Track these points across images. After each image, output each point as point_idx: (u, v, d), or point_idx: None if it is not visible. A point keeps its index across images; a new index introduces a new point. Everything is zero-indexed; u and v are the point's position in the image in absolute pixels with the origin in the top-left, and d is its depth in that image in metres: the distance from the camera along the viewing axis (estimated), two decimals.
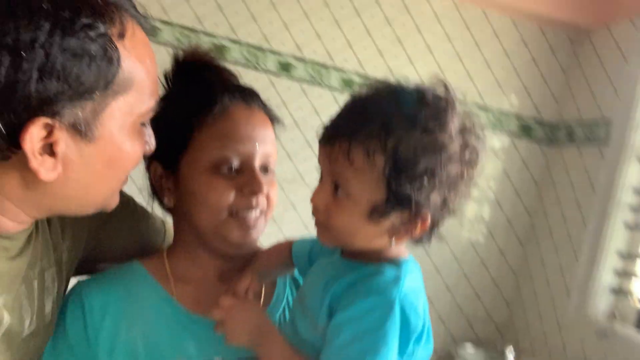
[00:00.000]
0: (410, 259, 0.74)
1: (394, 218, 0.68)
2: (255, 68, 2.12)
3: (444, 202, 0.68)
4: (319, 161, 0.73)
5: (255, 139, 0.84)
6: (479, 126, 0.70)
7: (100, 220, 0.89)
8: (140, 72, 0.65)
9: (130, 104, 0.65)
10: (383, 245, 0.71)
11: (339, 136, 0.68)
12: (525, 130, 2.31)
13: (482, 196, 2.31)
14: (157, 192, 0.90)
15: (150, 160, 0.87)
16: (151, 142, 0.74)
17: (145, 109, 0.68)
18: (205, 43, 2.04)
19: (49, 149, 0.61)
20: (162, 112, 0.77)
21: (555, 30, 2.26)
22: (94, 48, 0.59)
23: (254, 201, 0.83)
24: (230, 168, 0.83)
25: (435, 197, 0.66)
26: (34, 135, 0.59)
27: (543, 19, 2.22)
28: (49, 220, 0.80)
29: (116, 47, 0.61)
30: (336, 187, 0.69)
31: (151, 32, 0.69)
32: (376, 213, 0.67)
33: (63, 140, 0.61)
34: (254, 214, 0.84)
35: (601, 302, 1.93)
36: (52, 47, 0.57)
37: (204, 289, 0.87)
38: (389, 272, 0.69)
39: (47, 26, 0.56)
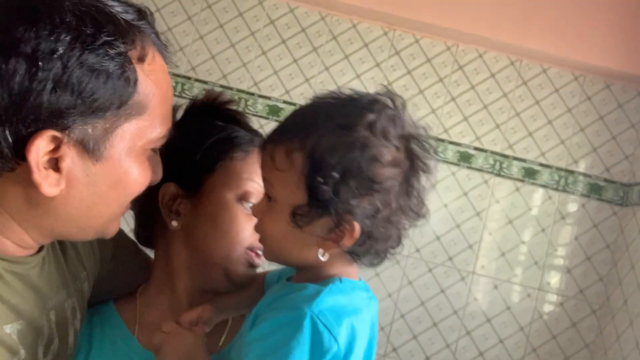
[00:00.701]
0: (352, 281, 0.69)
1: (319, 225, 0.65)
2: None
3: (377, 212, 0.63)
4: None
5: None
6: (428, 139, 0.66)
7: (110, 253, 0.90)
8: (156, 97, 0.65)
9: (141, 128, 0.65)
10: (313, 257, 0.66)
11: (268, 142, 0.69)
12: (595, 190, 2.15)
13: (551, 263, 2.15)
14: (149, 217, 0.89)
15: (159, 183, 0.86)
16: (158, 172, 0.73)
17: (156, 135, 0.67)
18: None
19: (55, 165, 0.61)
20: (187, 139, 0.83)
21: (624, 85, 2.14)
22: (112, 66, 0.59)
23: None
24: (252, 204, 0.84)
25: (363, 204, 0.63)
26: (40, 148, 0.58)
27: (609, 73, 2.11)
28: (64, 252, 0.80)
29: (134, 69, 0.62)
30: (268, 196, 0.69)
31: (169, 61, 0.70)
32: (299, 218, 0.65)
33: (70, 157, 0.61)
34: (258, 257, 0.86)
35: None
36: (70, 60, 0.57)
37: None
38: (310, 288, 0.65)
39: (68, 39, 0.57)
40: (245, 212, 0.84)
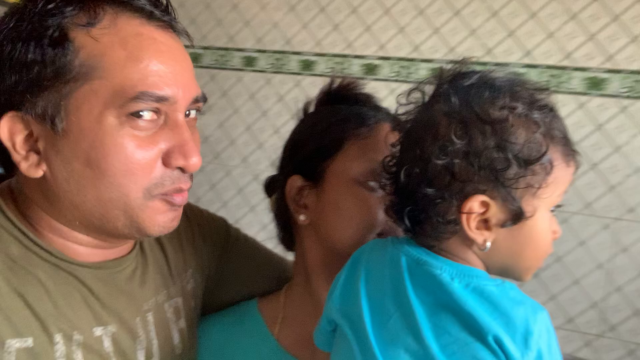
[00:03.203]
0: None
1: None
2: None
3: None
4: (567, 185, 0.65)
5: None
6: None
7: (221, 249, 0.92)
8: (113, 60, 0.62)
9: (99, 93, 0.61)
10: None
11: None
12: None
13: None
14: (285, 216, 0.89)
15: (285, 177, 0.87)
16: (186, 151, 0.65)
17: (126, 99, 0.61)
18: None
19: (35, 146, 0.63)
20: (308, 127, 0.85)
21: None
22: (43, 33, 0.60)
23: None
24: (379, 186, 0.78)
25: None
26: (8, 129, 0.61)
27: None
28: (164, 251, 0.82)
29: (67, 34, 0.61)
30: None
31: (170, 26, 0.67)
32: None
33: (42, 136, 0.62)
34: None
35: None
36: (7, 36, 0.60)
37: (308, 327, 0.83)
38: (514, 289, 0.63)
39: (12, 19, 0.61)
40: (373, 195, 0.79)
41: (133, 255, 0.75)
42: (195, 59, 2.22)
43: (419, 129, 0.64)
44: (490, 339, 0.57)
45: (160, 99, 0.63)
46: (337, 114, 0.86)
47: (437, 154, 0.60)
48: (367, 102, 0.91)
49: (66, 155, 0.62)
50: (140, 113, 0.62)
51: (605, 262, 1.74)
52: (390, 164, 0.68)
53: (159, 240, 0.82)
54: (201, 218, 0.92)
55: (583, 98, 1.76)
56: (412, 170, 0.62)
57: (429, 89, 0.65)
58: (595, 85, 1.75)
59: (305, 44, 2.08)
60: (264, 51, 2.15)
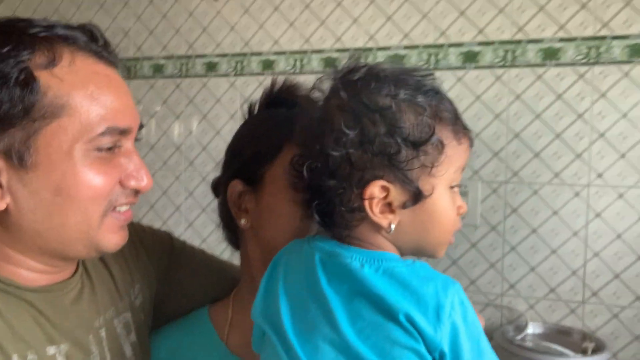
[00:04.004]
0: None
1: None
2: None
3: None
4: (463, 168, 0.68)
5: None
6: None
7: (167, 262, 0.95)
8: (78, 98, 0.67)
9: (68, 129, 0.66)
10: None
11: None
12: None
13: None
14: (228, 218, 0.90)
15: (227, 181, 0.89)
16: (140, 176, 0.73)
17: (94, 134, 0.68)
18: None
19: None
20: (248, 132, 0.86)
21: None
22: (9, 74, 0.63)
23: None
24: None
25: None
26: None
27: None
28: (109, 269, 0.85)
29: (35, 75, 0.64)
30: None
31: (114, 63, 0.73)
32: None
33: (4, 170, 0.65)
34: None
35: None
36: None
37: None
38: (428, 268, 0.66)
39: None
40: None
41: (77, 276, 0.78)
42: (159, 69, 2.24)
43: (317, 125, 0.65)
44: (401, 317, 0.58)
45: (123, 132, 0.71)
46: (275, 119, 0.88)
47: (334, 146, 0.62)
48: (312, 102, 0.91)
49: (34, 187, 0.66)
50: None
51: (581, 230, 1.75)
52: (299, 162, 0.69)
53: (102, 259, 0.84)
54: (144, 235, 0.95)
55: (540, 70, 1.77)
56: (314, 164, 0.64)
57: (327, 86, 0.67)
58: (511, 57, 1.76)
59: (263, 44, 2.09)
60: (224, 55, 2.16)
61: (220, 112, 2.16)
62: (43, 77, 0.65)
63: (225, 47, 2.15)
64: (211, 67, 2.18)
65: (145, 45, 2.26)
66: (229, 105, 2.15)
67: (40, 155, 0.65)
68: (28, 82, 0.63)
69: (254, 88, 2.10)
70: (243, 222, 0.86)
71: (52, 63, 0.65)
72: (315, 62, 2.03)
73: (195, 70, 2.20)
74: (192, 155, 2.21)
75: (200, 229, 2.19)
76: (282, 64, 2.07)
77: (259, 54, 2.10)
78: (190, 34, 2.20)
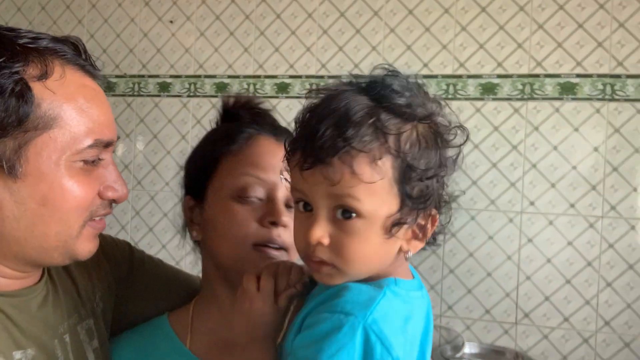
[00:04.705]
0: (406, 282, 0.65)
1: (407, 226, 0.62)
2: None
3: (440, 193, 0.63)
4: (298, 190, 0.63)
5: (280, 170, 0.80)
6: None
7: (127, 271, 0.96)
8: (69, 110, 0.68)
9: (59, 141, 0.67)
10: (390, 262, 0.64)
11: (330, 154, 0.59)
12: None
13: None
14: (188, 227, 0.94)
15: (183, 197, 0.93)
16: (118, 187, 0.74)
17: (82, 147, 0.69)
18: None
19: None
20: (195, 149, 0.88)
21: None
22: (3, 85, 0.64)
23: (274, 233, 0.82)
24: (255, 198, 0.83)
25: (442, 190, 0.62)
26: None
27: None
28: (71, 276, 0.85)
29: (29, 86, 0.65)
30: (341, 213, 0.61)
31: (98, 77, 0.76)
32: (395, 226, 0.61)
33: None
34: (274, 251, 0.82)
35: None
36: None
37: (218, 335, 0.87)
38: (365, 291, 0.61)
39: None
40: (245, 208, 0.83)
41: (43, 282, 0.78)
42: (111, 87, 2.24)
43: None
44: None
45: (107, 144, 0.73)
46: (215, 134, 0.92)
47: None
48: (264, 118, 0.95)
49: (21, 196, 0.67)
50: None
51: (514, 254, 1.85)
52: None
53: (66, 267, 0.85)
54: (105, 243, 0.96)
55: (478, 103, 1.89)
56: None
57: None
58: (488, 90, 1.89)
59: (217, 67, 2.14)
60: (178, 76, 2.19)
61: (172, 132, 2.18)
62: (37, 88, 0.66)
63: (179, 68, 2.18)
64: (164, 88, 2.20)
65: (97, 63, 2.26)
66: (180, 126, 2.17)
67: (30, 166, 0.66)
68: (23, 93, 0.64)
69: (206, 110, 2.14)
70: (194, 234, 0.90)
71: (44, 75, 0.67)
72: (269, 87, 2.09)
73: (148, 90, 2.22)
74: (141, 174, 2.21)
75: (147, 249, 2.18)
76: (235, 87, 2.12)
77: (212, 76, 2.15)
78: (144, 54, 2.22)
